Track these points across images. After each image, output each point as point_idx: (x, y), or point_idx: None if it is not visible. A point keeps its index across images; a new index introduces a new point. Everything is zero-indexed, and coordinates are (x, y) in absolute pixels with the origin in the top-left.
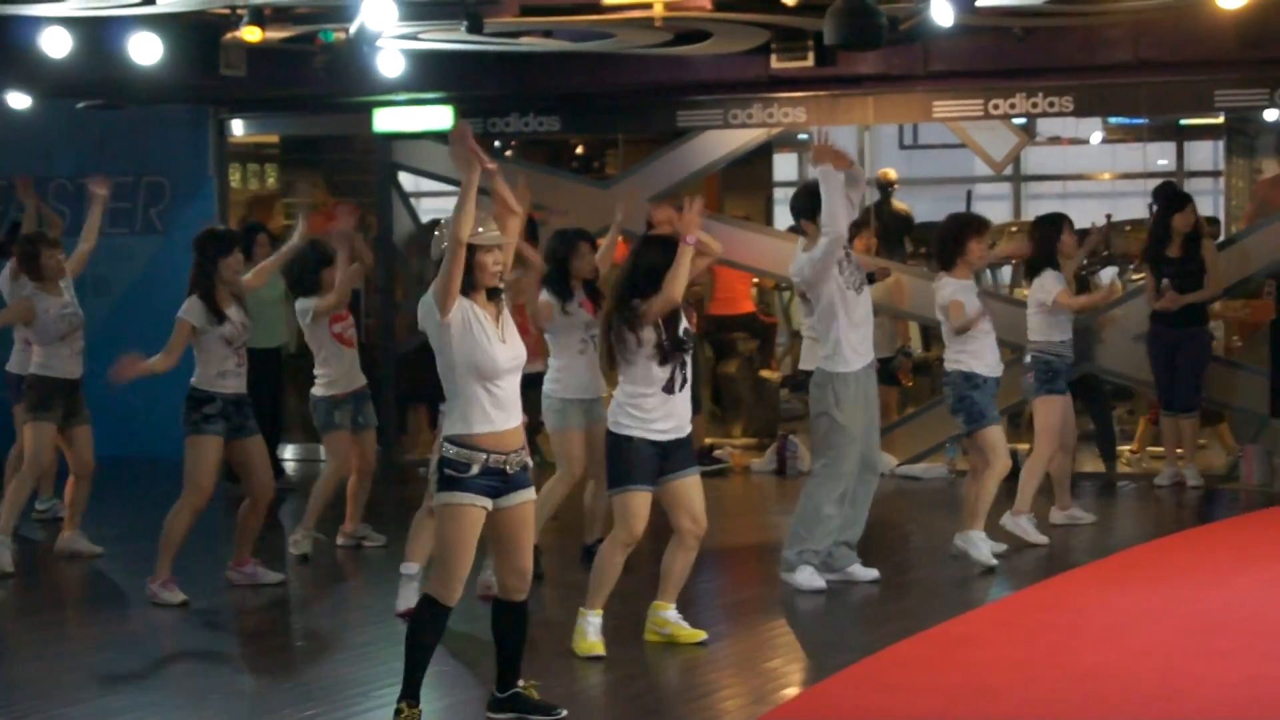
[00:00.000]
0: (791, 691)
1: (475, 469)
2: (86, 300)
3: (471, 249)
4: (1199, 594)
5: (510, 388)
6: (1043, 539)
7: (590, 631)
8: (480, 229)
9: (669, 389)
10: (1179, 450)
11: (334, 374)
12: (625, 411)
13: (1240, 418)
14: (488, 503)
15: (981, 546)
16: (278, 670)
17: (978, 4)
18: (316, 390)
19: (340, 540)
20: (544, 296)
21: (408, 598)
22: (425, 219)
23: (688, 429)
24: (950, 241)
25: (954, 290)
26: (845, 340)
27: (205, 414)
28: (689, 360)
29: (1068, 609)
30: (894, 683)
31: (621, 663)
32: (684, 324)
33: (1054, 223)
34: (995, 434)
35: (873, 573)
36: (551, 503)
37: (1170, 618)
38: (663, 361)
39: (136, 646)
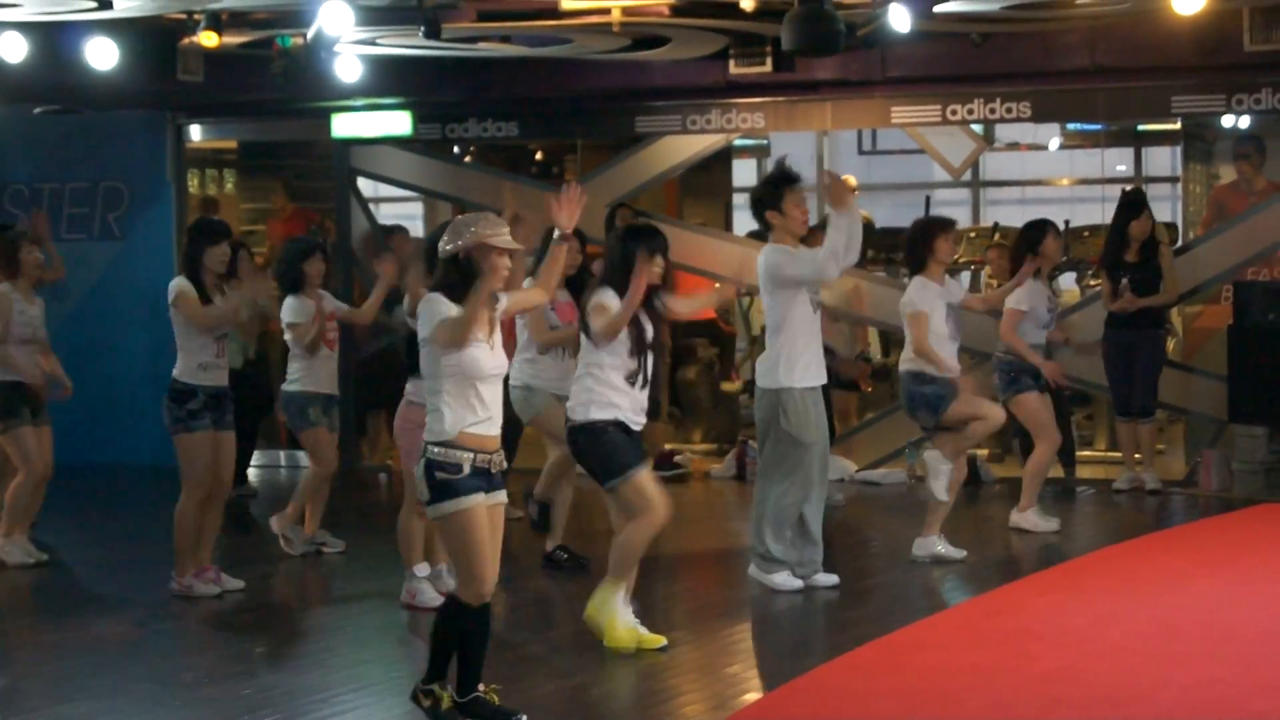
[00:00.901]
0: (752, 697)
1: (466, 468)
2: (45, 306)
3: (488, 249)
4: (1157, 598)
5: (492, 395)
6: (1054, 523)
7: (622, 617)
8: (499, 230)
9: (631, 381)
10: (1137, 455)
11: (312, 371)
12: (595, 403)
13: (1198, 423)
14: (484, 498)
15: (945, 548)
16: (236, 677)
17: (935, 10)
18: (289, 387)
19: (296, 548)
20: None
21: (418, 591)
22: (384, 224)
23: (643, 423)
24: (919, 243)
25: (919, 296)
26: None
27: (190, 410)
28: (651, 363)
29: (1026, 614)
30: (854, 688)
31: (581, 668)
32: (650, 329)
33: (1039, 228)
34: (961, 401)
35: (833, 578)
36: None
37: (1128, 622)
38: (631, 352)
39: (92, 654)
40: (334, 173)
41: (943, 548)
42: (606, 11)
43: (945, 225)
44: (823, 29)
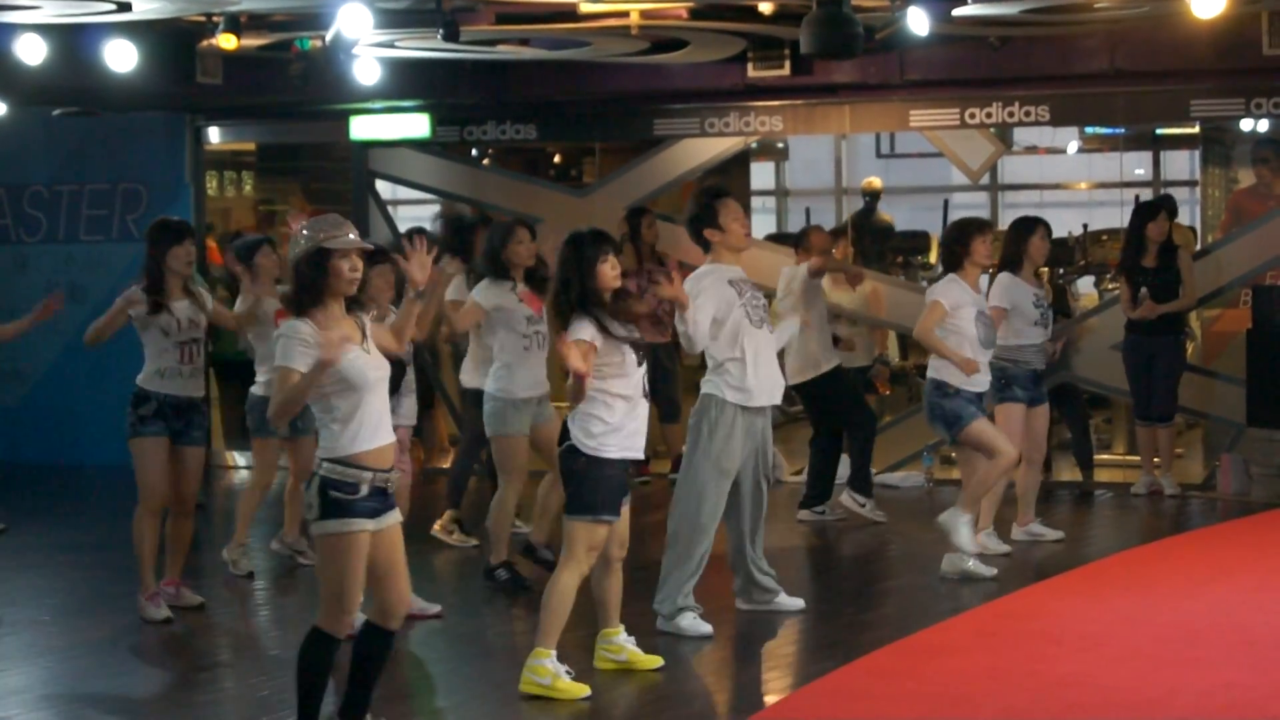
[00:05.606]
0: (770, 700)
1: (364, 489)
2: (64, 307)
3: (327, 253)
4: (1175, 603)
5: (380, 402)
6: (1004, 547)
7: (562, 673)
8: (338, 232)
9: (643, 392)
10: (1155, 459)
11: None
12: (605, 436)
13: (1216, 427)
14: (372, 525)
15: (963, 531)
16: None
17: (954, 13)
18: (257, 390)
19: (275, 546)
20: (474, 295)
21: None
22: (403, 227)
23: (642, 444)
24: (956, 244)
25: (944, 289)
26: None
27: (140, 415)
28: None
29: (1044, 618)
30: (871, 691)
31: (592, 673)
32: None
33: (1027, 226)
34: (980, 426)
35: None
36: (506, 518)
37: (1146, 626)
38: (640, 360)
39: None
40: (352, 175)
41: (973, 564)
42: (625, 14)
43: (983, 227)
44: (841, 32)
